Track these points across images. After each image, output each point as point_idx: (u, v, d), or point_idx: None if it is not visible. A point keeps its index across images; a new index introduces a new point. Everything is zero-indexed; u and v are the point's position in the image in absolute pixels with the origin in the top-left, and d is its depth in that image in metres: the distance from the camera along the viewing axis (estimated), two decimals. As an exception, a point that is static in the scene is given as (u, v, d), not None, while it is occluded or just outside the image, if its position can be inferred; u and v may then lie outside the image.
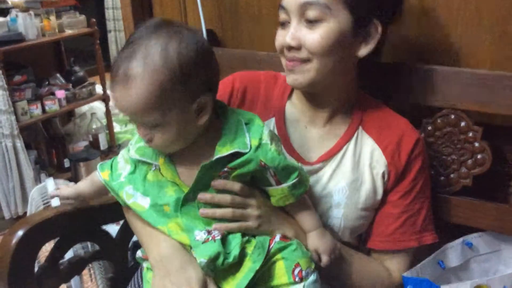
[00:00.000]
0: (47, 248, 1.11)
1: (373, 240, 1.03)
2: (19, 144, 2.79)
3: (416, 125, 1.07)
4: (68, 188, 1.01)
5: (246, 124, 0.87)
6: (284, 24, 0.95)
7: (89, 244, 1.34)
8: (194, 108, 0.80)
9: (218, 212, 0.85)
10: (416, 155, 0.99)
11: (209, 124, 0.84)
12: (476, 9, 1.06)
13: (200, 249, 0.83)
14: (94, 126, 3.38)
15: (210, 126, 0.85)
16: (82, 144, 3.38)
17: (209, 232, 0.84)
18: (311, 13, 0.88)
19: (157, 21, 0.81)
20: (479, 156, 1.05)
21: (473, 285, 0.97)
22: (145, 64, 0.75)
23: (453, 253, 1.07)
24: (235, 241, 0.85)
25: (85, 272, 1.34)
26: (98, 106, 3.63)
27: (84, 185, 0.99)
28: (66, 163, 3.25)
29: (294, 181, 0.87)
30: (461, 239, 1.08)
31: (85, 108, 3.57)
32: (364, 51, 0.94)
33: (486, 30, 1.07)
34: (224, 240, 0.84)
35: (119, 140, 3.62)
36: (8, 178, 2.80)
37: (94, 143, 3.40)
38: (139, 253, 0.96)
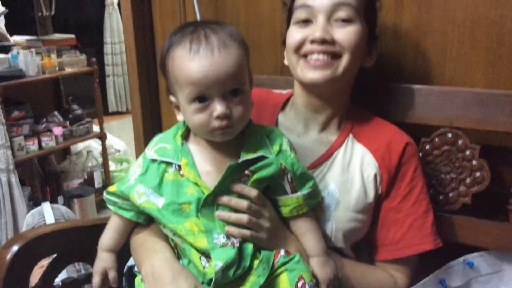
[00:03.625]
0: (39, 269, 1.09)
1: (381, 251, 1.02)
2: (14, 179, 2.76)
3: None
4: (99, 264, 0.92)
5: (267, 136, 0.90)
6: (305, 22, 0.97)
7: (82, 268, 1.32)
8: (250, 88, 0.88)
9: (234, 216, 0.85)
10: (408, 158, 1.00)
11: None
12: (471, 32, 1.10)
13: (217, 252, 0.82)
14: (89, 164, 3.36)
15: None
16: (77, 182, 3.35)
17: (228, 237, 0.84)
18: (343, 13, 0.94)
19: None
20: (477, 174, 1.05)
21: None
22: (233, 35, 0.84)
23: (454, 272, 1.05)
24: (247, 252, 0.84)
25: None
26: (94, 145, 3.63)
27: (107, 239, 0.94)
28: (60, 201, 3.20)
29: (309, 190, 0.89)
30: (461, 259, 1.06)
31: (81, 146, 3.57)
32: (369, 62, 1.03)
33: (480, 52, 1.10)
34: (240, 249, 0.84)
35: (114, 178, 3.60)
36: (1, 213, 2.74)
37: (89, 181, 3.37)
38: (136, 267, 0.94)
